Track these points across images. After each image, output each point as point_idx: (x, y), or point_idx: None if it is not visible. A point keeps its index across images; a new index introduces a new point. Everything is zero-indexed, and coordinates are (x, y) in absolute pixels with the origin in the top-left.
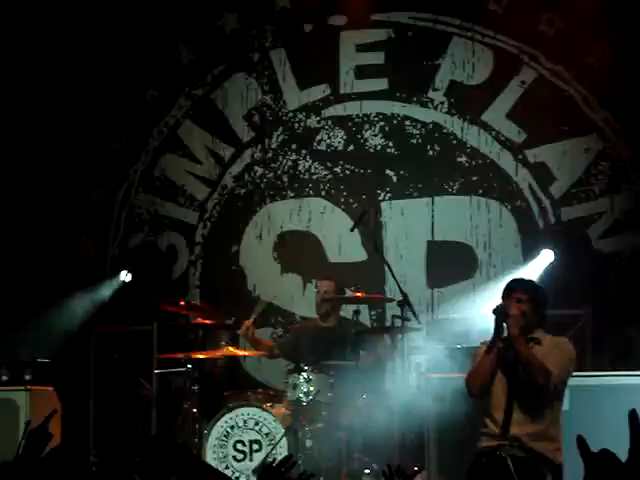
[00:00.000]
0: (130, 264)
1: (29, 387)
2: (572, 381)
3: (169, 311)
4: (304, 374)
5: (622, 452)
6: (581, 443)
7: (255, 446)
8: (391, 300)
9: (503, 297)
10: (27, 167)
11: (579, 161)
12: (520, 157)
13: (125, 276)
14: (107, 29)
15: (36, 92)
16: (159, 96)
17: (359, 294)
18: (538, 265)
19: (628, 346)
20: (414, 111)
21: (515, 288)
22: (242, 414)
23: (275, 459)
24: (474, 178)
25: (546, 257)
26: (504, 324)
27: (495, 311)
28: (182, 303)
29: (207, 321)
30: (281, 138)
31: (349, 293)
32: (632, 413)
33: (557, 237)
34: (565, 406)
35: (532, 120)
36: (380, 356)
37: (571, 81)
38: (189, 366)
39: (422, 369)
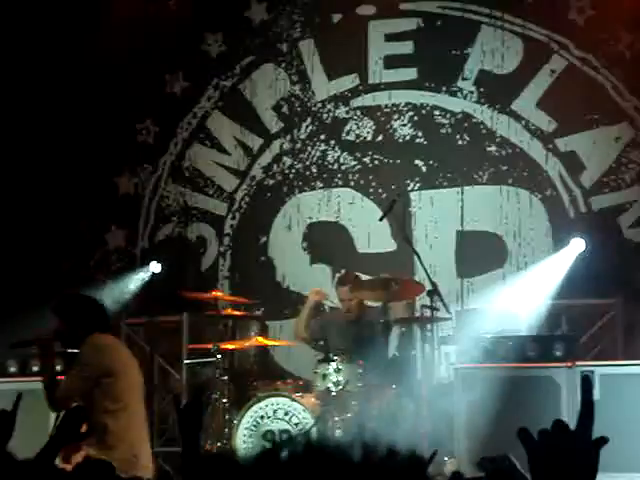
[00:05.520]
0: (160, 255)
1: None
2: (603, 369)
3: (199, 302)
4: (333, 364)
5: None
6: (523, 435)
7: (285, 436)
8: (421, 288)
9: None
10: (57, 160)
11: (609, 150)
12: (550, 146)
13: (154, 267)
14: (133, 20)
15: (66, 84)
16: (188, 87)
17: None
18: (568, 254)
19: None
20: (443, 100)
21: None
22: (272, 404)
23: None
24: (504, 168)
25: (576, 246)
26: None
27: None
28: (209, 296)
29: (237, 312)
30: (310, 129)
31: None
32: (585, 378)
33: (588, 226)
34: (596, 396)
35: (562, 109)
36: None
37: (601, 69)
38: (219, 356)
39: (452, 359)
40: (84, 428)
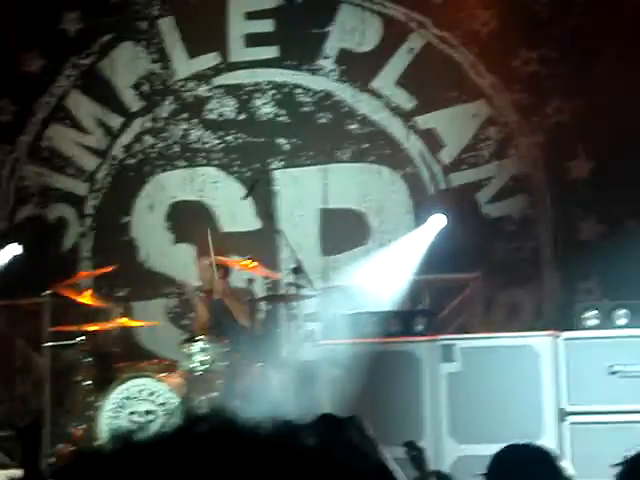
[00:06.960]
0: (19, 236)
1: None
2: (463, 343)
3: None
4: (199, 343)
5: (508, 407)
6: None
7: (150, 416)
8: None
9: None
10: None
11: (468, 127)
12: (410, 124)
13: (14, 249)
14: None
15: None
16: (45, 66)
17: (250, 264)
18: (429, 230)
19: (516, 308)
20: (305, 79)
21: None
22: (136, 385)
23: None
24: (365, 145)
25: (437, 222)
26: None
27: None
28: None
29: (98, 295)
30: (171, 107)
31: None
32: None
33: (448, 202)
34: (457, 368)
35: (421, 87)
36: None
37: (459, 47)
38: (82, 338)
39: (316, 336)
40: None
